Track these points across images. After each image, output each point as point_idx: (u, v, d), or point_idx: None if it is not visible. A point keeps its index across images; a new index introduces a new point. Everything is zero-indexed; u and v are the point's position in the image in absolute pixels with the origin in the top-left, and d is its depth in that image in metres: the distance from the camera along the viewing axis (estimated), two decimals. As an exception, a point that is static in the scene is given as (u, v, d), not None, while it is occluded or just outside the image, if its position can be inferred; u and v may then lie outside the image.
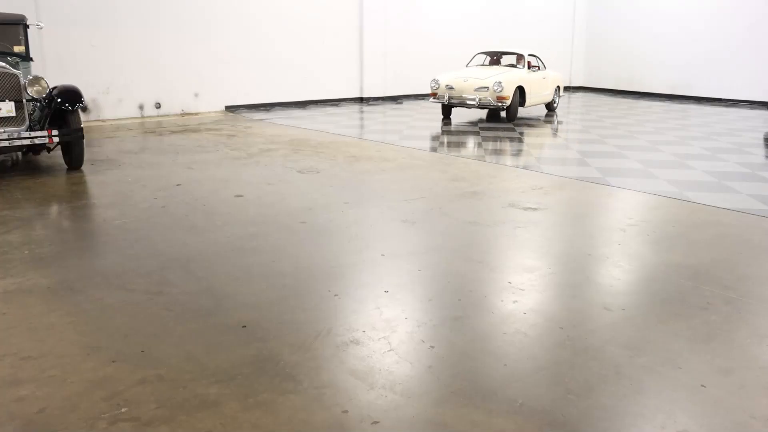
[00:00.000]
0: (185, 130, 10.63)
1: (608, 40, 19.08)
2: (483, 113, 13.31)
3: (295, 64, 13.96)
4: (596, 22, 19.46)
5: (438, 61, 15.28)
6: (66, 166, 7.37)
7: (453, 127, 11.31)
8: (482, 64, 13.63)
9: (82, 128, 7.10)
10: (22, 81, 6.82)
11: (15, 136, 6.62)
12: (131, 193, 6.30)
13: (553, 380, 2.92)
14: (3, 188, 6.46)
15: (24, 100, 6.80)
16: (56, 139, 6.88)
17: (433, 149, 9.09)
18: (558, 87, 13.84)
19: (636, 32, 18.28)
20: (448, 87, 12.05)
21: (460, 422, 2.61)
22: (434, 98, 12.40)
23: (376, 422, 2.60)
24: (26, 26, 7.91)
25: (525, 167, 7.82)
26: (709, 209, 5.96)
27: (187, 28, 12.32)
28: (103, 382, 2.86)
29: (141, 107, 12.09)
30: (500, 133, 10.64)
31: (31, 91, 6.90)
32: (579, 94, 18.56)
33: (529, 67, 12.81)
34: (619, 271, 4.36)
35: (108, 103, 11.66)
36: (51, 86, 7.21)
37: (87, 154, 7.92)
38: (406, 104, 15.03)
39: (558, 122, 12.42)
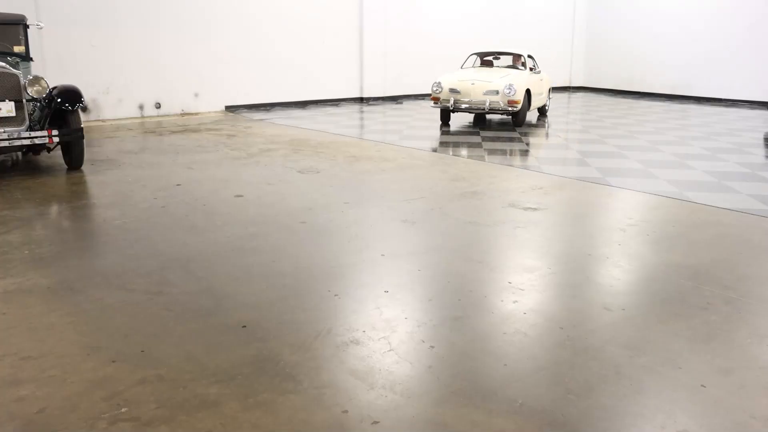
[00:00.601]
0: (185, 130, 10.63)
1: (608, 40, 19.08)
2: (469, 118, 12.56)
3: (295, 64, 13.96)
4: (596, 22, 19.46)
5: (438, 62, 15.27)
6: (66, 166, 7.37)
7: (452, 128, 11.30)
8: (476, 66, 12.74)
9: (82, 128, 7.10)
10: (22, 81, 6.82)
11: (15, 136, 6.62)
12: (131, 193, 6.30)
13: (553, 380, 2.92)
14: (3, 188, 6.46)
15: (24, 100, 6.80)
16: (56, 139, 6.88)
17: (433, 149, 9.09)
18: (549, 89, 13.26)
19: (636, 32, 18.28)
20: (453, 91, 11.07)
21: (460, 422, 2.61)
22: (436, 103, 11.32)
23: (376, 422, 2.60)
24: (26, 26, 7.91)
25: (525, 167, 7.82)
26: (709, 209, 5.96)
27: (187, 28, 12.32)
28: (103, 382, 2.86)
29: (141, 107, 12.09)
30: (500, 134, 10.64)
31: (31, 91, 6.90)
32: (579, 94, 18.56)
33: (528, 69, 12.17)
34: (619, 271, 4.36)
35: (108, 103, 11.66)
36: (51, 86, 7.21)
37: (87, 154, 7.92)
38: (406, 104, 15.03)
39: (548, 125, 12.28)
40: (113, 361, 3.05)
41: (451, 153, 8.84)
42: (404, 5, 15.52)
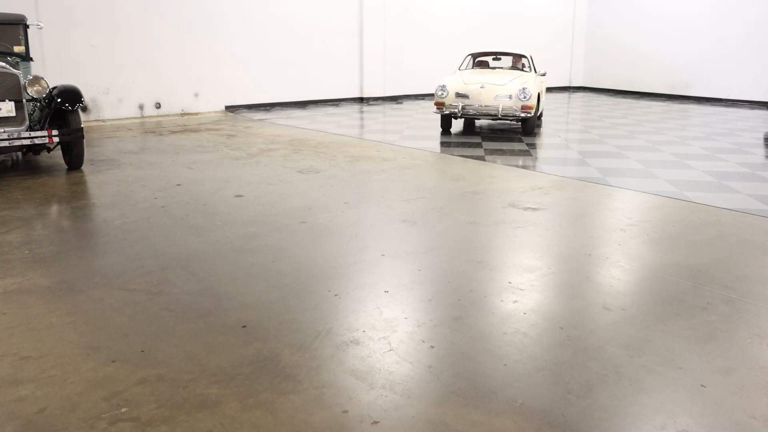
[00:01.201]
0: (185, 130, 10.63)
1: (608, 39, 19.08)
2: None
3: (295, 64, 13.96)
4: (596, 22, 19.46)
5: (438, 62, 15.29)
6: (66, 166, 7.37)
7: (452, 129, 11.29)
8: (473, 67, 11.65)
9: (82, 128, 7.10)
10: (22, 81, 6.82)
11: (15, 136, 6.63)
12: (131, 193, 6.30)
13: (553, 380, 2.92)
14: (3, 188, 6.46)
15: (24, 100, 6.80)
16: (56, 139, 6.89)
17: (433, 149, 9.08)
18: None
19: (636, 32, 18.28)
20: (460, 95, 10.06)
21: (460, 422, 2.61)
22: (440, 109, 10.21)
23: (376, 422, 2.60)
24: (26, 26, 7.92)
25: (525, 167, 7.82)
26: (709, 209, 5.96)
27: (188, 28, 12.32)
28: (103, 382, 2.86)
29: (141, 107, 12.09)
30: (500, 134, 10.64)
31: (31, 91, 6.91)
32: (579, 94, 18.56)
33: (533, 70, 11.35)
34: (619, 271, 4.36)
35: (108, 103, 11.66)
36: (51, 86, 7.21)
37: (87, 154, 7.93)
38: (406, 104, 15.03)
39: (548, 125, 12.27)
40: (113, 361, 3.05)
41: (451, 153, 8.83)
42: (404, 5, 15.52)
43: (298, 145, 9.10)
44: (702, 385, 2.91)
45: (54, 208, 5.86)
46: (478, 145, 9.41)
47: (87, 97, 10.54)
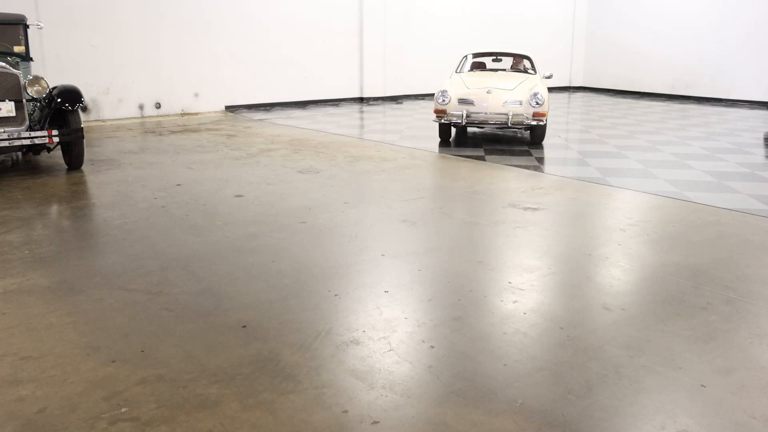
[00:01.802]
0: (185, 130, 10.63)
1: (608, 39, 19.08)
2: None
3: (295, 64, 13.96)
4: (596, 22, 19.46)
5: (438, 62, 15.28)
6: (66, 166, 7.37)
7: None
8: (471, 70, 10.64)
9: (82, 128, 7.10)
10: (22, 81, 6.82)
11: (15, 136, 6.63)
12: (131, 193, 6.30)
13: (553, 380, 2.92)
14: (3, 188, 6.46)
15: (24, 100, 6.80)
16: (56, 139, 6.89)
17: (434, 149, 9.08)
18: None
19: (636, 32, 18.28)
20: (464, 101, 9.00)
21: (460, 422, 2.61)
22: (441, 117, 9.15)
23: (376, 422, 2.60)
24: (26, 26, 7.92)
25: (525, 167, 7.82)
26: (709, 209, 5.96)
27: (188, 28, 12.32)
28: (103, 382, 2.86)
29: (141, 107, 12.09)
30: (500, 134, 10.63)
31: (31, 91, 6.91)
32: (579, 94, 18.56)
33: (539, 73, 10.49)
34: (619, 271, 4.36)
35: (108, 103, 11.66)
36: (51, 86, 7.21)
37: (87, 154, 7.92)
38: (406, 104, 15.03)
39: (548, 126, 12.15)
40: (113, 361, 3.05)
41: (451, 153, 8.83)
42: (404, 5, 15.52)
43: (298, 145, 9.10)
44: (702, 385, 2.91)
45: (54, 208, 5.86)
46: (478, 145, 9.40)
47: (87, 97, 10.54)
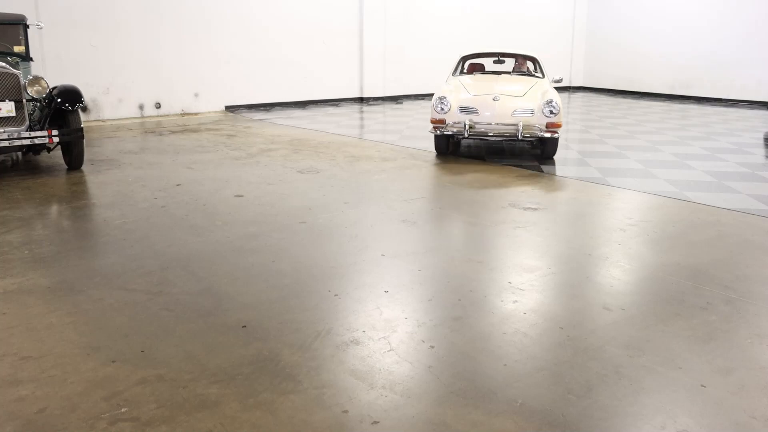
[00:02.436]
0: (185, 130, 10.63)
1: (608, 39, 19.08)
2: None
3: (295, 64, 13.96)
4: (596, 22, 19.46)
5: (438, 62, 15.26)
6: (66, 166, 7.37)
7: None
8: (472, 73, 9.49)
9: (82, 128, 7.10)
10: (22, 81, 6.82)
11: (15, 136, 6.63)
12: (131, 193, 6.30)
13: (553, 380, 2.92)
14: (3, 188, 6.46)
15: (24, 100, 6.80)
16: (56, 139, 6.89)
17: (433, 149, 9.07)
18: None
19: (636, 32, 18.28)
20: (466, 110, 7.86)
21: (460, 422, 2.61)
22: (439, 127, 7.99)
23: (376, 422, 2.60)
24: (26, 26, 7.92)
25: (525, 167, 7.82)
26: (709, 209, 5.96)
27: (188, 28, 12.32)
28: (103, 382, 2.86)
29: (141, 107, 12.09)
30: (501, 145, 10.61)
31: (31, 91, 6.91)
32: (579, 94, 18.56)
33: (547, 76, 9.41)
34: (619, 271, 4.36)
35: (108, 103, 11.66)
36: (51, 86, 7.21)
37: (87, 154, 7.92)
38: (406, 104, 15.03)
39: None
40: (113, 361, 3.05)
41: (451, 153, 8.82)
42: (404, 5, 15.52)
43: (298, 145, 9.10)
44: (702, 385, 2.91)
45: (54, 208, 5.86)
46: (478, 145, 9.40)
47: (87, 97, 10.54)
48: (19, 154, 8.05)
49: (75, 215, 5.67)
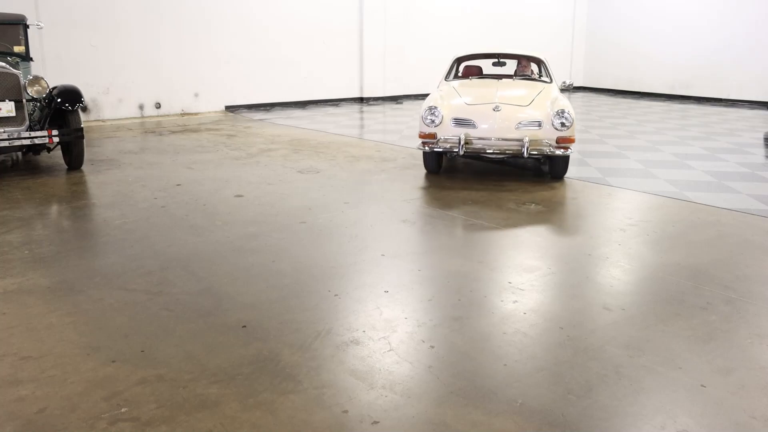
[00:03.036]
0: (185, 130, 10.63)
1: (608, 39, 19.07)
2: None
3: (295, 63, 13.96)
4: (596, 22, 19.45)
5: (438, 62, 15.20)
6: (66, 166, 7.37)
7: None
8: (467, 77, 8.26)
9: (82, 128, 7.10)
10: (22, 81, 6.82)
11: (15, 136, 6.63)
12: (131, 193, 6.30)
13: (553, 380, 2.92)
14: (3, 188, 6.46)
15: (24, 100, 6.80)
16: (56, 139, 6.89)
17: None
18: None
19: (636, 32, 18.27)
20: (462, 122, 6.69)
21: (460, 422, 2.61)
22: (429, 143, 6.75)
23: (376, 422, 2.60)
24: (26, 26, 7.92)
25: (525, 167, 7.82)
26: (709, 209, 5.96)
27: (188, 28, 12.32)
28: (103, 382, 2.86)
29: (141, 107, 12.09)
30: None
31: (31, 91, 6.91)
32: (579, 94, 18.56)
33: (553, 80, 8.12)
34: (619, 271, 4.36)
35: (108, 103, 11.66)
36: (51, 86, 7.21)
37: (87, 154, 7.92)
38: (406, 104, 15.03)
39: None
40: (113, 361, 3.05)
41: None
42: (404, 5, 15.51)
43: (298, 145, 9.10)
44: (702, 385, 2.91)
45: (54, 208, 5.86)
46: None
47: (87, 97, 10.53)
48: (19, 154, 8.05)
49: (75, 215, 5.67)
